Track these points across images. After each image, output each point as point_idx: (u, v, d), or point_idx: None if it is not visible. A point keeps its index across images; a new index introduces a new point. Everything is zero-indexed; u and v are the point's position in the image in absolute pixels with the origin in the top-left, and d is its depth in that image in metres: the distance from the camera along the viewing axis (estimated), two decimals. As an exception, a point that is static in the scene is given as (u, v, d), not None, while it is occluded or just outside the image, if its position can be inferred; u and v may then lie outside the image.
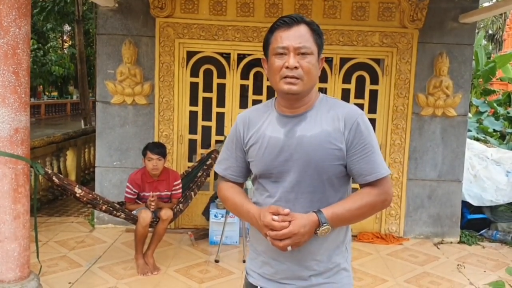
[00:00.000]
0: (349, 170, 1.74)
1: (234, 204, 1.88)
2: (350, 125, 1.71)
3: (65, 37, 33.09)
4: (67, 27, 27.74)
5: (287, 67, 1.67)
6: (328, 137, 1.70)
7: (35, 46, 23.03)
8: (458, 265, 4.94)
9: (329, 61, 5.56)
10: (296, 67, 1.67)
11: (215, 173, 5.90)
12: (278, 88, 1.74)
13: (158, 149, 4.48)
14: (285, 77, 1.69)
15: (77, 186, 4.12)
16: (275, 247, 1.65)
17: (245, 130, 1.86)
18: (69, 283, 4.11)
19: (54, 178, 3.96)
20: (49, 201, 6.77)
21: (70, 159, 7.62)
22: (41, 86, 31.78)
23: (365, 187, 1.74)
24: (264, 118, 1.83)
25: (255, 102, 5.74)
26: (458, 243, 5.66)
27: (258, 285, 1.85)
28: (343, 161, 1.72)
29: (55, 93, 36.47)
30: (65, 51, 30.56)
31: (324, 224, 1.64)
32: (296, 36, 1.68)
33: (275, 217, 1.63)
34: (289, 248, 1.63)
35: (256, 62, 5.74)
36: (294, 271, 1.76)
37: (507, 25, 24.80)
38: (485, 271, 4.79)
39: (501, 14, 31.13)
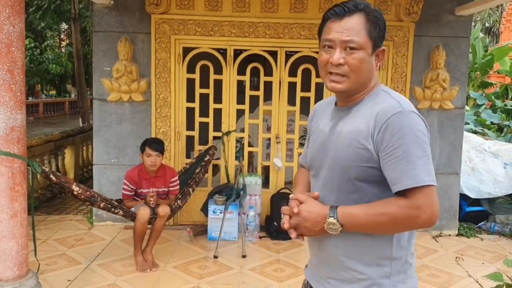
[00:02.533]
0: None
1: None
2: (380, 125, 1.49)
3: (62, 36, 33.00)
4: (64, 26, 27.69)
5: (332, 63, 1.56)
6: (357, 135, 1.53)
7: (32, 45, 22.97)
8: (456, 257, 4.95)
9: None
10: (341, 64, 1.54)
11: (213, 169, 5.93)
12: (324, 83, 1.64)
13: (157, 144, 4.49)
14: (329, 73, 1.58)
15: (74, 183, 4.11)
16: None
17: (312, 120, 1.85)
18: (68, 280, 4.11)
19: (51, 176, 3.95)
20: (48, 199, 6.77)
21: (68, 157, 7.62)
22: (39, 85, 31.70)
23: (396, 196, 1.49)
24: (326, 111, 1.77)
25: (252, 97, 5.76)
26: (457, 235, 5.68)
27: (305, 277, 1.83)
28: (374, 163, 1.52)
29: (53, 92, 36.43)
30: (63, 50, 30.50)
31: (330, 217, 1.50)
32: (345, 29, 1.53)
33: (292, 195, 1.64)
34: (292, 235, 1.59)
35: (253, 58, 5.75)
36: (319, 269, 1.70)
37: (504, 17, 24.76)
38: (483, 263, 4.80)
39: (497, 7, 31.11)
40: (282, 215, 1.64)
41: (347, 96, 1.62)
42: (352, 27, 1.53)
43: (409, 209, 1.44)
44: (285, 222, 1.60)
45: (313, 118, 1.84)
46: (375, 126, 1.50)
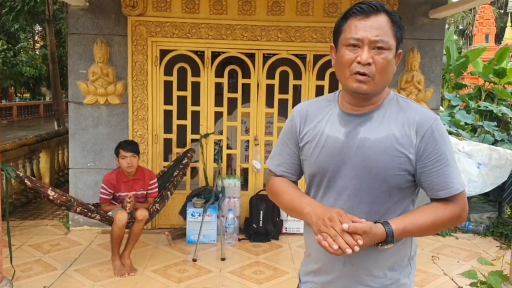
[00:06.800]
0: (419, 182, 1.55)
1: (288, 198, 1.65)
2: (423, 132, 1.50)
3: (36, 38, 32.47)
4: (38, 27, 27.25)
5: (359, 62, 1.46)
6: (395, 143, 1.50)
7: (5, 47, 22.56)
8: (432, 256, 5.03)
9: (303, 58, 5.59)
10: (369, 63, 1.46)
11: (191, 172, 5.91)
12: (345, 84, 1.53)
13: (131, 145, 4.46)
14: (356, 73, 1.47)
15: (50, 188, 4.06)
16: (327, 249, 1.41)
17: (302, 124, 1.66)
18: (44, 287, 4.04)
19: (26, 181, 3.89)
20: (23, 204, 6.65)
21: (43, 161, 7.48)
22: (12, 88, 31.11)
23: (438, 201, 1.55)
24: (324, 113, 1.63)
25: (230, 100, 5.76)
26: (433, 234, 5.76)
27: None
28: (410, 171, 1.53)
29: (27, 95, 35.76)
30: (37, 52, 30.01)
31: (389, 243, 1.46)
32: (374, 28, 1.46)
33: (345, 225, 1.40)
34: (348, 250, 1.38)
35: (231, 60, 5.75)
36: (346, 286, 1.62)
37: (476, 20, 25.29)
38: (458, 262, 4.90)
39: (470, 10, 31.76)
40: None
41: (366, 99, 1.54)
42: (380, 27, 1.47)
43: (458, 210, 1.54)
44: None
45: (305, 121, 1.66)
46: (417, 134, 1.51)
